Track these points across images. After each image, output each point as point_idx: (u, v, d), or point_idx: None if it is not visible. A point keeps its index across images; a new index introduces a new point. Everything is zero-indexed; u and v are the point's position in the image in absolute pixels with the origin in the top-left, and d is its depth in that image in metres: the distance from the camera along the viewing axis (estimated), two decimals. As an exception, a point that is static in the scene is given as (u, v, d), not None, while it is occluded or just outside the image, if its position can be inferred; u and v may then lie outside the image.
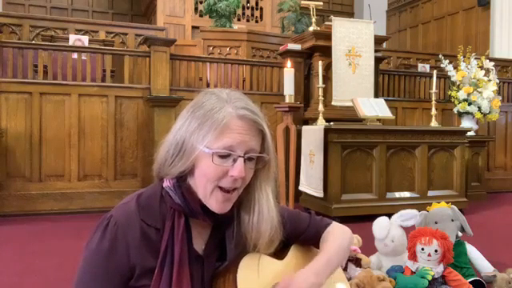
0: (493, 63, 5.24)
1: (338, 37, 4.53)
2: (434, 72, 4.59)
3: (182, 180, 1.04)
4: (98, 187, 4.27)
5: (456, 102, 5.10)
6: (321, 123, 3.98)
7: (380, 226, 2.28)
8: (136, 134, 4.45)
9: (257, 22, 8.06)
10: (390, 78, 5.66)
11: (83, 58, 4.40)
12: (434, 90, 4.48)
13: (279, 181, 3.47)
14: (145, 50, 4.77)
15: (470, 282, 2.02)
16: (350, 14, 10.91)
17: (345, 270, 2.10)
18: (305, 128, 4.18)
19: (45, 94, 4.15)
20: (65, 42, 5.05)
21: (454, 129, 4.61)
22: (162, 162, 1.05)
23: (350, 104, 4.31)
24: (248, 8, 8.06)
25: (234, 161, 0.99)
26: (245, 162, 1.00)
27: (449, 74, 5.21)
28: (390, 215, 2.36)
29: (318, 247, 1.27)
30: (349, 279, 2.00)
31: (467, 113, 5.06)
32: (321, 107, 4.09)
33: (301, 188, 4.17)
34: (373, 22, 4.77)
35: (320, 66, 4.17)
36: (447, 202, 2.45)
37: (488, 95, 4.99)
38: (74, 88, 4.24)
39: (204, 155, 0.99)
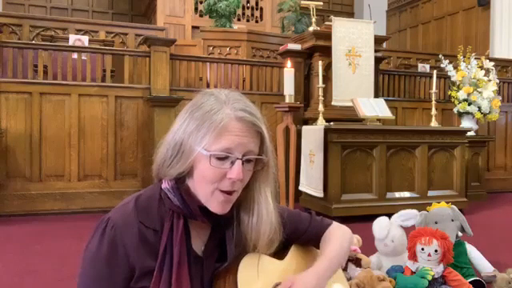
0: (493, 63, 5.23)
1: (338, 37, 4.53)
2: (434, 72, 4.59)
3: (180, 181, 1.03)
4: (98, 187, 4.27)
5: (456, 102, 5.09)
6: (321, 123, 3.98)
7: (380, 226, 2.28)
8: (136, 134, 4.44)
9: (257, 22, 8.06)
10: (390, 78, 5.66)
11: (83, 57, 4.40)
12: (433, 90, 4.47)
13: (279, 181, 3.47)
14: (145, 50, 4.76)
15: (470, 282, 2.02)
16: (350, 14, 10.91)
17: (345, 270, 2.10)
18: (305, 128, 4.18)
19: (45, 94, 4.15)
20: (65, 42, 5.05)
21: (453, 129, 4.61)
22: (161, 162, 1.04)
23: (349, 104, 4.31)
24: (248, 8, 8.06)
25: (232, 163, 0.98)
26: (243, 164, 0.99)
27: (449, 74, 5.20)
28: (389, 215, 2.36)
29: (318, 247, 1.28)
30: (349, 279, 2.00)
31: (467, 113, 5.06)
32: (321, 107, 4.08)
33: (301, 188, 4.17)
34: (373, 22, 4.77)
35: (320, 66, 4.17)
36: (447, 202, 2.45)
37: (488, 95, 4.98)
38: (74, 88, 4.24)
39: (202, 157, 0.98)
